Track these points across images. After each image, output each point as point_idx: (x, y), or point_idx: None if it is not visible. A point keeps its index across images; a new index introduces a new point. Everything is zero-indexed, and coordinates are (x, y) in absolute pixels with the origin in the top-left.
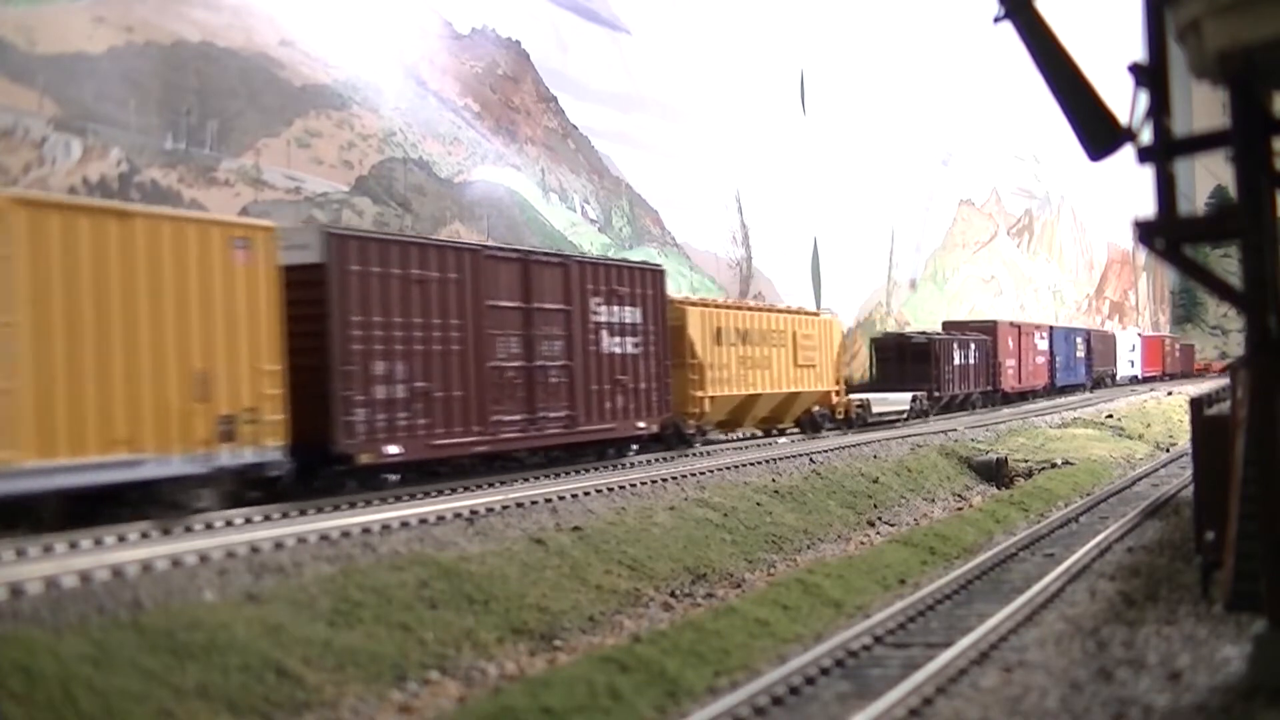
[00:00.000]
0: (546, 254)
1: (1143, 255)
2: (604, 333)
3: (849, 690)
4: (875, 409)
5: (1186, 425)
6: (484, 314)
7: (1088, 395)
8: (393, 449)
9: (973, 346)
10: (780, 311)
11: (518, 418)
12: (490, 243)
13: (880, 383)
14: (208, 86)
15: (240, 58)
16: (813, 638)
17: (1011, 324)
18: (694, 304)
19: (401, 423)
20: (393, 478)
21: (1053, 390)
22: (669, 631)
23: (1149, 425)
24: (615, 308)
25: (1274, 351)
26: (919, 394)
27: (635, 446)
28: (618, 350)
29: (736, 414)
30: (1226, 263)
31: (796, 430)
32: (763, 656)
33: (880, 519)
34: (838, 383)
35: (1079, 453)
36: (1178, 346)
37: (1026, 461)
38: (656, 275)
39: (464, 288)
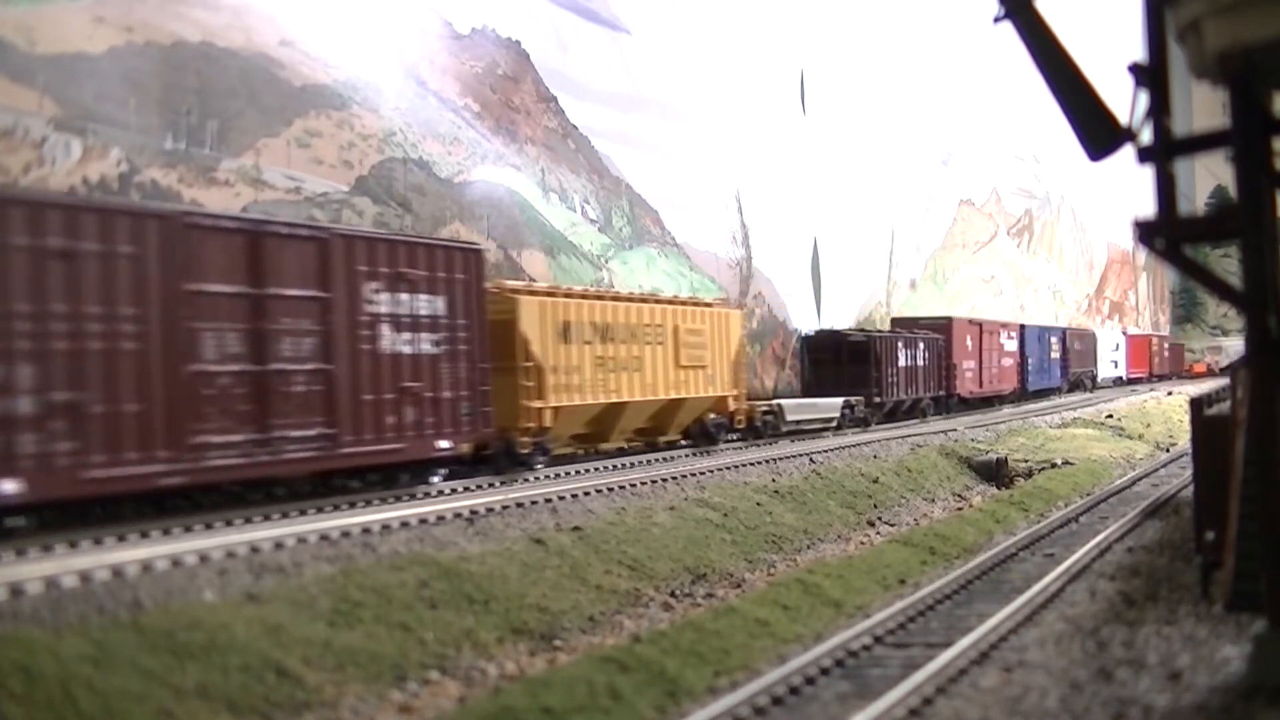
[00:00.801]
0: (290, 224)
1: (1143, 255)
2: (385, 327)
3: (849, 690)
4: (791, 416)
5: (1186, 425)
6: (181, 301)
7: (1060, 400)
8: (7, 486)
9: (922, 346)
10: (656, 302)
11: (237, 439)
12: (198, 209)
13: (815, 387)
14: (208, 86)
15: (240, 58)
16: (813, 638)
17: (971, 321)
18: (529, 292)
19: (27, 449)
20: (17, 523)
21: (1023, 395)
22: (669, 631)
23: (1149, 425)
24: (405, 295)
25: (1274, 351)
26: (854, 399)
27: (443, 471)
28: (408, 350)
29: (596, 427)
30: (1226, 263)
31: (687, 444)
32: (763, 656)
33: (880, 519)
34: (738, 386)
35: (1079, 453)
36: (1166, 346)
37: (1026, 461)
38: (470, 256)
39: (144, 266)
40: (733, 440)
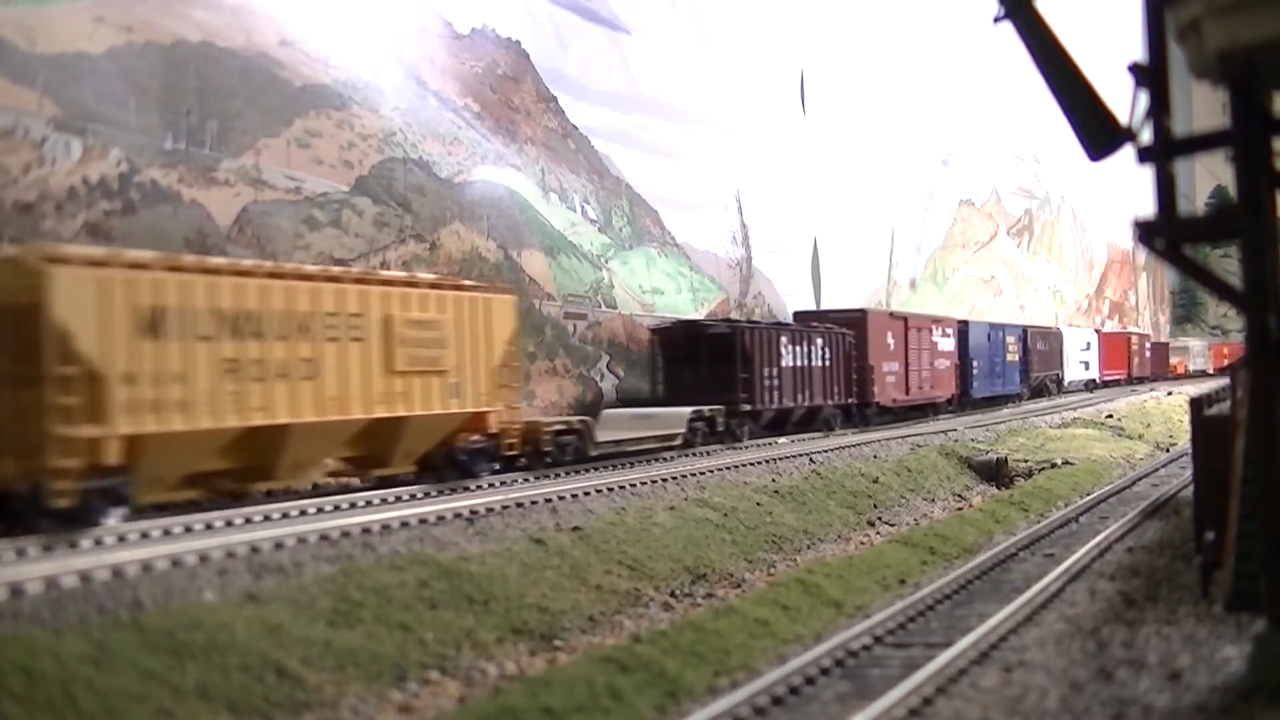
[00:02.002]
0: None
1: (1143, 255)
2: None
3: (849, 690)
4: (605, 435)
5: (1186, 425)
6: None
7: (1018, 409)
8: None
9: (820, 343)
10: (347, 280)
11: None
12: None
13: (670, 392)
14: (208, 86)
15: (240, 58)
16: (813, 638)
17: (893, 315)
18: (78, 261)
19: None
20: None
21: (966, 404)
22: (669, 631)
23: (1149, 425)
24: None
25: (1274, 351)
26: (711, 409)
27: None
28: None
29: (242, 461)
30: (1226, 263)
31: (430, 476)
32: (763, 656)
33: (880, 519)
34: (504, 397)
35: (1079, 453)
36: (1148, 345)
37: (1026, 461)
38: None
39: None
40: (518, 469)
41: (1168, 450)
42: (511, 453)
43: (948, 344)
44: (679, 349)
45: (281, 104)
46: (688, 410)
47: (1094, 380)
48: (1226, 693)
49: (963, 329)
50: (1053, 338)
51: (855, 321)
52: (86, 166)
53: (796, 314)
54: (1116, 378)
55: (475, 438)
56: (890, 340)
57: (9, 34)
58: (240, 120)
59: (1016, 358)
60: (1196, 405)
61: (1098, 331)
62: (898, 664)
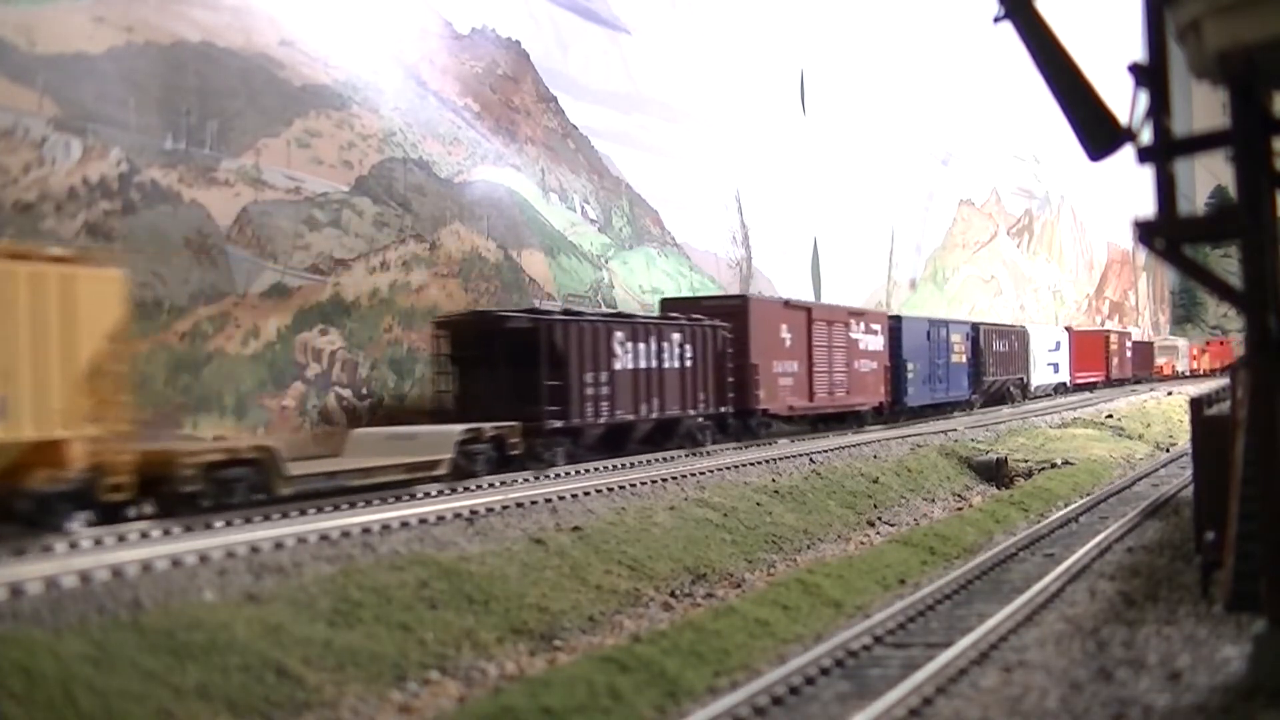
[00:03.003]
0: None
1: (1143, 255)
2: None
3: (849, 690)
4: (304, 469)
5: (1186, 425)
6: None
7: (971, 416)
8: None
9: (678, 339)
10: None
11: None
12: None
13: (464, 405)
14: (208, 86)
15: (240, 58)
16: (813, 638)
17: (789, 305)
18: None
19: None
20: None
21: (899, 413)
22: (669, 631)
23: (1149, 425)
24: None
25: (1274, 351)
26: (497, 428)
27: None
28: None
29: None
30: (1226, 263)
31: None
32: (763, 656)
33: (880, 519)
34: (103, 414)
35: (1079, 453)
36: (1128, 344)
37: (1026, 461)
38: None
39: None
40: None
41: (1168, 450)
42: (120, 496)
43: (874, 342)
44: (471, 348)
45: (281, 104)
46: (458, 430)
47: (1065, 383)
48: (1226, 693)
49: (894, 325)
50: (1015, 336)
51: (734, 311)
52: (86, 166)
53: (664, 302)
54: (1091, 380)
55: (49, 476)
56: (786, 335)
57: (9, 34)
58: (240, 120)
59: (964, 359)
60: (1196, 405)
61: (1069, 329)
62: (898, 664)
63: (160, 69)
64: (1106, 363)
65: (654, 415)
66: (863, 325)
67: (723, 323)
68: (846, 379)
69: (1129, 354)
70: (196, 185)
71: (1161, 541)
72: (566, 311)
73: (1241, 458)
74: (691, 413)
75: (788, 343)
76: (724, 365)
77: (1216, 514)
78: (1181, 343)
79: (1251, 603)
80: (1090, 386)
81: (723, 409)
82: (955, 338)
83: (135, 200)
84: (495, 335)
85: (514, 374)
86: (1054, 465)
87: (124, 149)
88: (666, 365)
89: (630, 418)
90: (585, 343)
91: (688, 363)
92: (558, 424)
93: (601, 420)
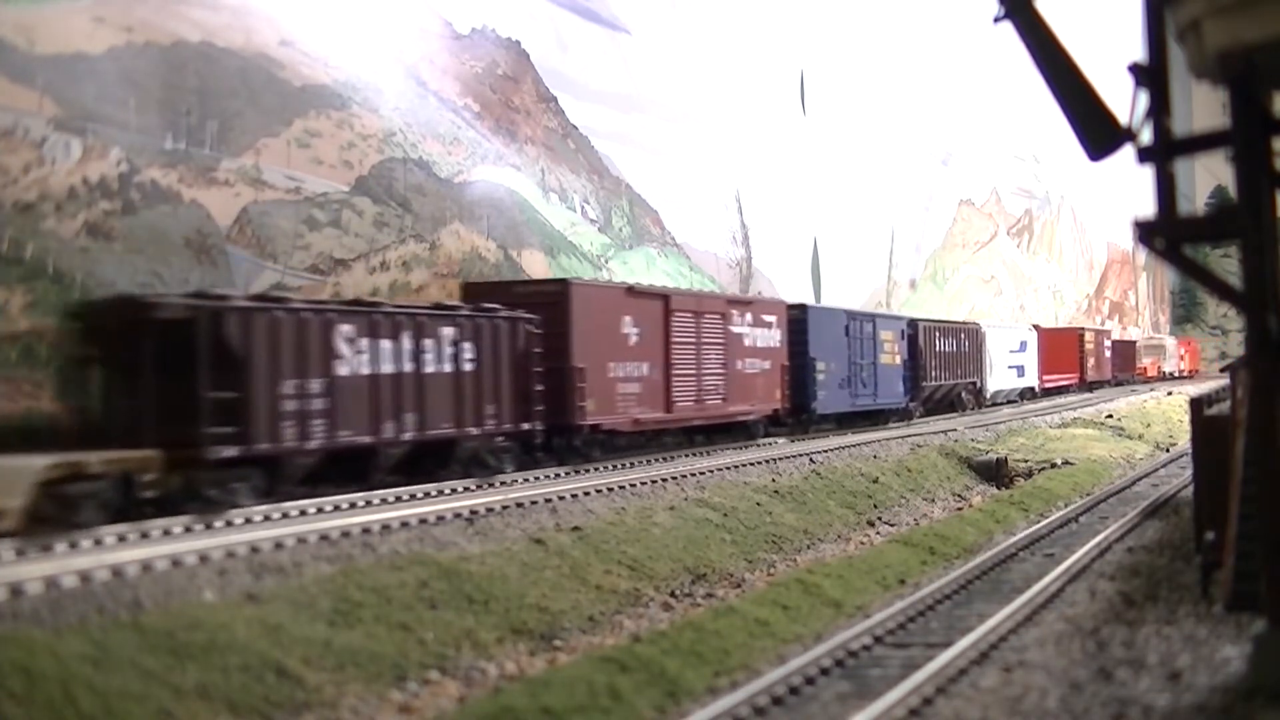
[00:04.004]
0: None
1: (1143, 255)
2: None
3: (849, 690)
4: None
5: (1186, 425)
6: None
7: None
8: None
9: (452, 334)
10: None
11: None
12: None
13: (109, 419)
14: (208, 86)
15: (240, 58)
16: (812, 638)
17: (634, 291)
18: None
19: None
20: None
21: (808, 423)
22: (669, 631)
23: (1149, 425)
24: None
25: (1274, 351)
26: (109, 461)
27: None
28: None
29: None
30: (1226, 263)
31: None
32: (762, 656)
33: (880, 519)
34: None
35: (1079, 453)
36: (1107, 343)
37: (1026, 461)
38: None
39: None
40: None
41: (1168, 450)
42: None
43: (766, 337)
44: (113, 346)
45: (281, 104)
46: (39, 464)
47: (1032, 389)
48: (1226, 693)
49: (797, 318)
50: (966, 335)
51: (550, 301)
52: (86, 166)
53: (465, 286)
54: (1064, 384)
55: None
56: (631, 330)
57: (9, 34)
58: (240, 120)
59: (898, 360)
60: (1196, 405)
61: (1036, 328)
62: (898, 664)
63: (160, 69)
64: (1081, 364)
65: (409, 435)
66: (749, 317)
67: (528, 314)
68: (725, 383)
69: (1107, 354)
70: (196, 185)
71: (1161, 541)
72: (261, 296)
73: (1241, 458)
74: (475, 431)
75: (634, 339)
76: (528, 369)
77: (1216, 514)
78: (1169, 341)
79: (1251, 603)
80: (1063, 391)
81: (527, 425)
82: (885, 335)
83: (135, 200)
84: (141, 329)
85: (163, 382)
86: (1054, 465)
87: (124, 149)
88: (431, 369)
89: (366, 440)
90: (284, 339)
91: (467, 366)
92: (231, 451)
93: (314, 444)
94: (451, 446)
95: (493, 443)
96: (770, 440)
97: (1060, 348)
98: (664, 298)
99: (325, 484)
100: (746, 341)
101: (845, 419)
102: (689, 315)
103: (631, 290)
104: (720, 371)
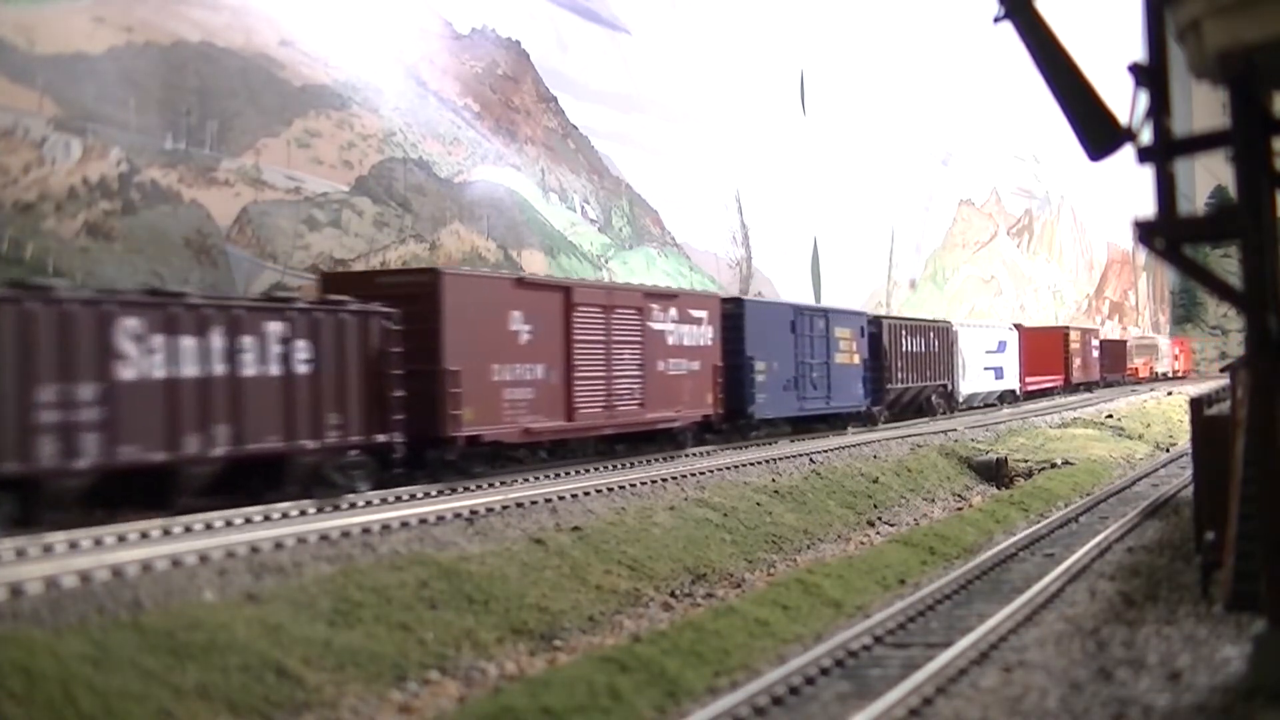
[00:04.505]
0: None
1: (1143, 255)
2: None
3: (849, 690)
4: None
5: (1186, 425)
6: None
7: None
8: None
9: (275, 331)
10: None
11: None
12: None
13: None
14: (208, 86)
15: (240, 58)
16: (812, 638)
17: (524, 283)
18: None
19: None
20: None
21: (744, 428)
22: (669, 631)
23: (1149, 425)
24: None
25: (1274, 351)
26: None
27: None
28: None
29: None
30: (1226, 263)
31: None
32: (762, 656)
33: (880, 519)
34: None
35: (1079, 453)
36: (1094, 342)
37: (1026, 461)
38: None
39: None
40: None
41: (1168, 450)
42: None
43: (695, 335)
44: None
45: (281, 104)
46: None
47: (1013, 392)
48: (1226, 693)
49: (732, 313)
50: (936, 334)
51: (419, 293)
52: (86, 166)
53: (324, 277)
54: (1048, 386)
55: None
56: (522, 327)
57: (9, 34)
58: (240, 120)
59: (857, 359)
60: (1196, 405)
61: (1018, 327)
62: (898, 664)
63: (160, 69)
64: (1066, 365)
65: (221, 451)
66: (673, 312)
67: (386, 309)
68: (642, 386)
69: (1095, 354)
70: (196, 185)
71: (1161, 541)
72: (13, 284)
73: (1241, 458)
74: (312, 445)
75: (525, 338)
76: (384, 371)
77: (1216, 514)
78: (1162, 341)
79: (1251, 603)
80: (1048, 393)
81: (384, 437)
82: (841, 332)
83: (135, 200)
84: None
85: None
86: (1054, 465)
87: (124, 149)
88: (251, 372)
89: (160, 457)
90: (40, 336)
91: (301, 368)
92: None
93: (85, 463)
94: (282, 463)
95: (341, 458)
96: (702, 450)
97: (1044, 348)
98: (564, 290)
99: (124, 507)
100: (670, 340)
101: (795, 424)
102: (596, 310)
103: (522, 282)
104: (636, 374)
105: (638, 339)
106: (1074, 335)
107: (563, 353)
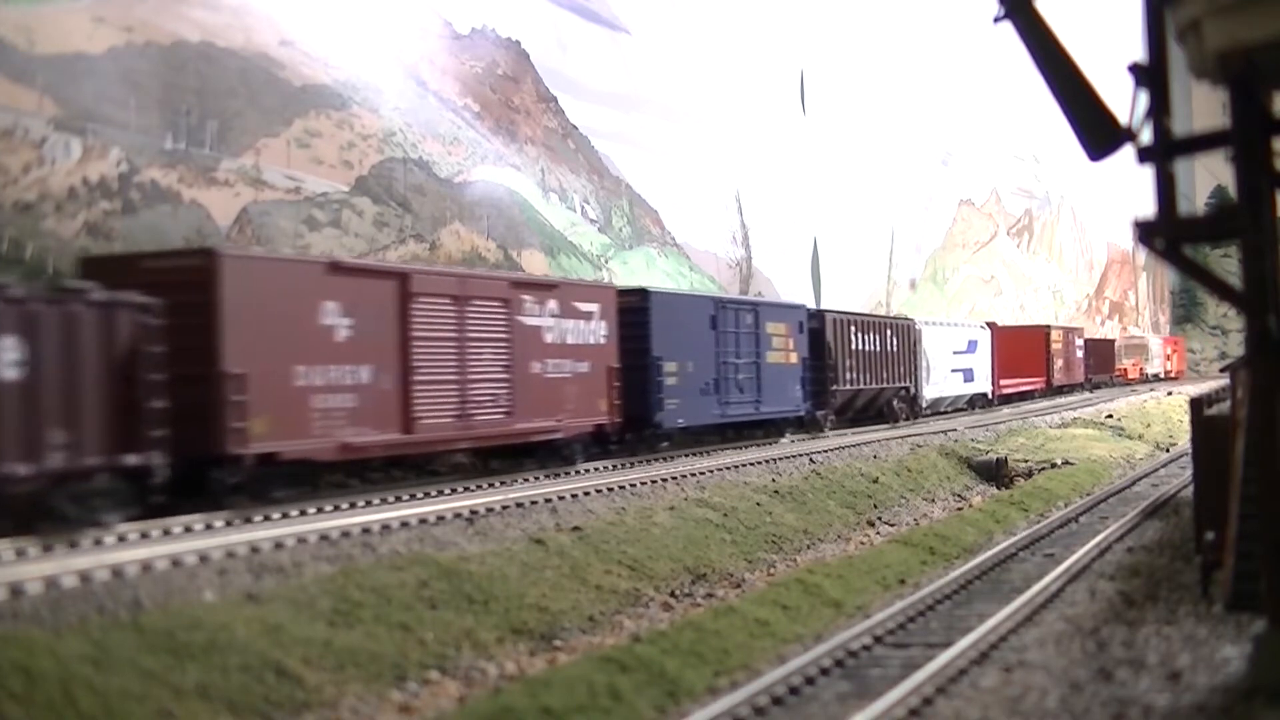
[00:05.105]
0: None
1: (1143, 255)
2: None
3: (849, 690)
4: None
5: (1186, 425)
6: None
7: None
8: None
9: None
10: None
11: None
12: None
13: None
14: (208, 86)
15: (240, 58)
16: (812, 638)
17: (340, 268)
18: None
19: None
20: None
21: (651, 438)
22: (669, 631)
23: (1149, 425)
24: None
25: (1274, 352)
26: None
27: None
28: None
29: None
30: (1226, 263)
31: None
32: (762, 656)
33: (880, 519)
34: None
35: (1079, 453)
36: (1078, 342)
37: (1026, 461)
38: None
39: None
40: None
41: (1168, 450)
42: None
43: (584, 332)
44: None
45: (281, 104)
46: None
47: (985, 395)
48: (1226, 693)
49: (635, 306)
50: (896, 332)
51: (190, 280)
52: (86, 166)
53: (85, 261)
54: (1027, 389)
55: None
56: (338, 321)
57: (9, 34)
58: (240, 120)
59: (794, 359)
60: (1196, 405)
61: (990, 325)
62: (898, 664)
63: (160, 69)
64: (1048, 366)
65: None
66: (552, 305)
67: (142, 299)
68: (511, 392)
69: (1079, 354)
70: (196, 185)
71: (1161, 541)
72: None
73: (1241, 458)
74: (24, 470)
75: (343, 334)
76: (137, 377)
77: (1216, 514)
78: (1153, 341)
79: (1251, 603)
80: (1028, 396)
81: (135, 458)
82: (775, 327)
83: (135, 200)
84: None
85: None
86: (1054, 465)
87: (124, 149)
88: None
89: None
90: None
91: (8, 373)
92: None
93: None
94: None
95: (76, 485)
96: (591, 466)
97: (1022, 348)
98: (398, 277)
99: None
100: (548, 337)
101: (721, 432)
102: (444, 301)
103: (339, 267)
104: (502, 377)
105: (503, 336)
106: (1056, 335)
107: (398, 352)
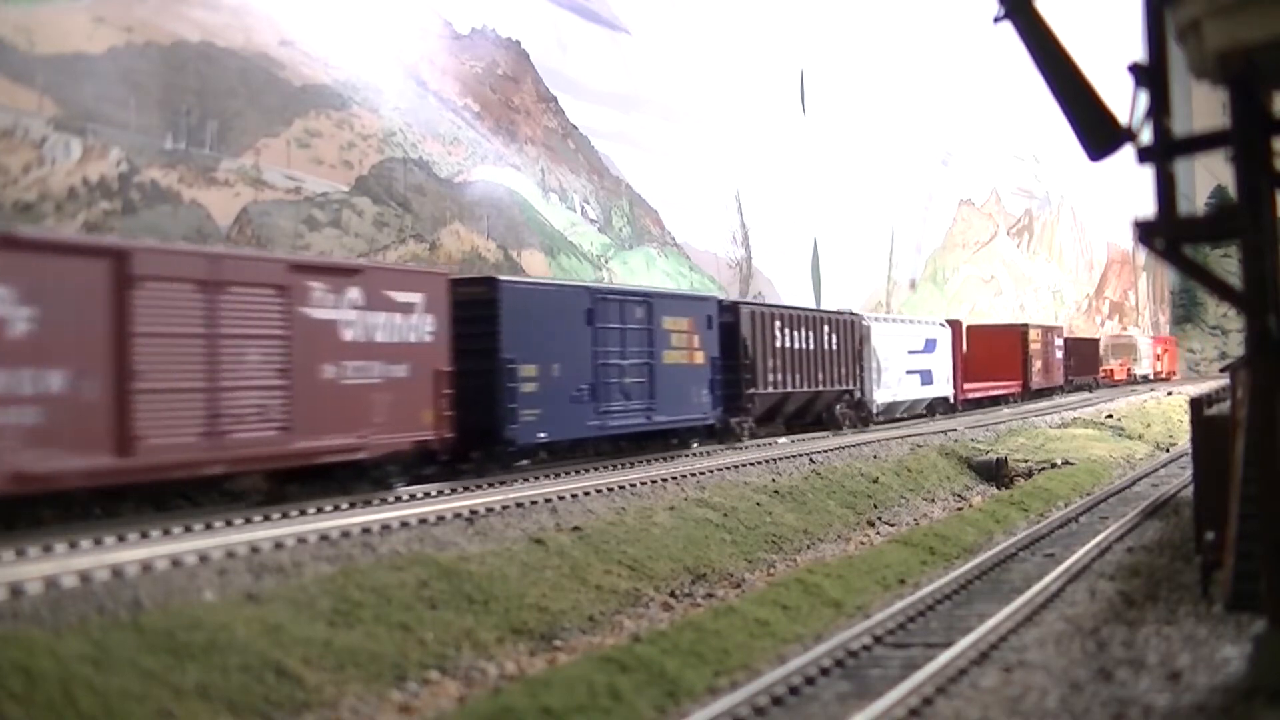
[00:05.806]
0: None
1: (1143, 255)
2: None
3: (849, 690)
4: None
5: (1186, 425)
6: None
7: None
8: None
9: None
10: None
11: None
12: None
13: None
14: (208, 86)
15: (240, 58)
16: (812, 638)
17: (11, 242)
18: None
19: None
20: None
21: (501, 455)
22: (669, 631)
23: (1149, 425)
24: None
25: (1274, 352)
26: None
27: None
28: None
29: None
30: (1226, 263)
31: None
32: (762, 656)
33: (880, 519)
34: None
35: (1079, 453)
36: (1057, 341)
37: (1026, 461)
38: None
39: None
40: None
41: (1168, 450)
42: None
43: (400, 328)
44: None
45: (281, 104)
46: None
47: (947, 399)
48: (1226, 693)
49: (482, 298)
50: (836, 329)
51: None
52: (86, 166)
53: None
54: (1001, 393)
55: None
56: (11, 313)
57: (9, 34)
58: (240, 120)
59: (700, 359)
60: (1196, 405)
61: (952, 323)
62: (898, 664)
63: (160, 69)
64: (1024, 368)
65: None
66: (353, 295)
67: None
68: (289, 402)
69: (1059, 355)
70: (196, 185)
71: (1161, 541)
72: None
73: (1241, 458)
74: None
75: (19, 329)
76: None
77: (1216, 514)
78: (1142, 340)
79: (1251, 603)
80: (1003, 401)
81: None
82: (673, 323)
83: (135, 200)
84: None
85: None
86: (1054, 465)
87: (124, 149)
88: None
89: None
90: None
91: None
92: None
93: None
94: None
95: None
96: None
97: (995, 348)
98: (113, 255)
99: None
100: (348, 334)
101: (611, 444)
102: (186, 288)
103: (10, 241)
104: (275, 383)
105: (278, 332)
106: (1034, 334)
107: (110, 352)
